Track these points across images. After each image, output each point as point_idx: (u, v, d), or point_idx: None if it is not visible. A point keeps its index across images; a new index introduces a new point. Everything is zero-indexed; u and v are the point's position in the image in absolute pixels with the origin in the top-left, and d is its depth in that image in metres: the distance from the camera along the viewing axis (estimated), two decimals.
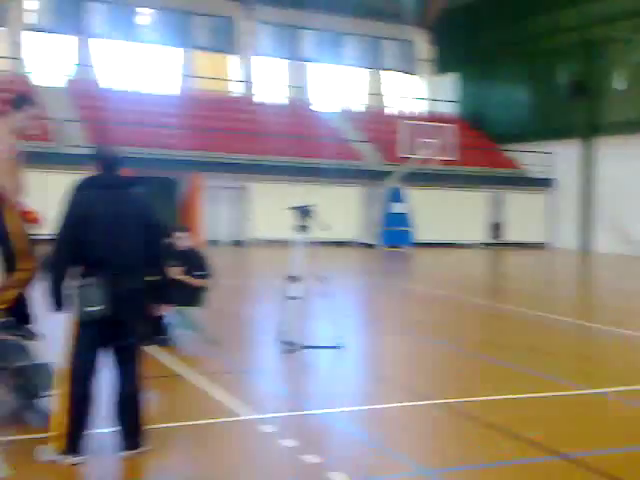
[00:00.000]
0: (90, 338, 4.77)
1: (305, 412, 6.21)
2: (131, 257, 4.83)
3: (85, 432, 4.78)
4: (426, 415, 6.35)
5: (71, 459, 4.70)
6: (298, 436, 5.44)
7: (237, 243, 25.32)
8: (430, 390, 7.00)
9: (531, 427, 5.84)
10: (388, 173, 25.87)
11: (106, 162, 4.89)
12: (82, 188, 4.82)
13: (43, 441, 4.85)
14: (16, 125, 5.87)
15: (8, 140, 5.75)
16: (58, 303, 4.75)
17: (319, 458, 5.00)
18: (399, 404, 6.54)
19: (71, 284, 4.72)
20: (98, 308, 4.64)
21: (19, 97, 6.09)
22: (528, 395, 6.87)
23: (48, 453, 4.73)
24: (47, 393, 5.40)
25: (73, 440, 4.72)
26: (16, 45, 27.30)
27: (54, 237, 4.77)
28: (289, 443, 5.27)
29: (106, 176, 4.88)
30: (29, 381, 5.64)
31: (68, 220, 4.73)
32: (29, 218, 5.89)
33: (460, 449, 5.43)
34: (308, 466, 4.90)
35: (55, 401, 4.85)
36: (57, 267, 4.75)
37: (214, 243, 24.05)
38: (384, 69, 34.35)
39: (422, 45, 34.62)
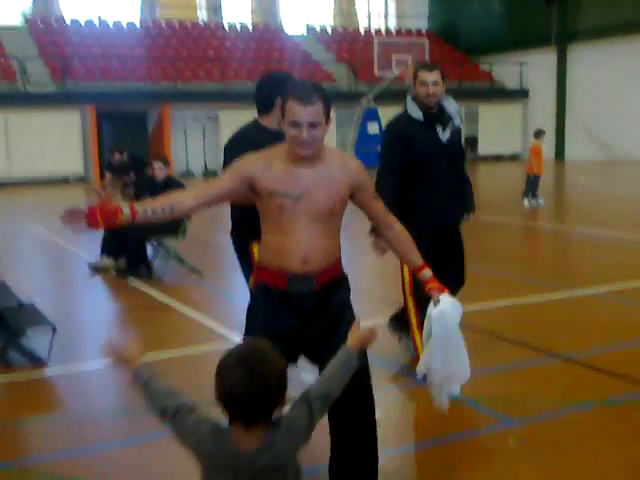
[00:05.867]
0: None
1: None
2: None
3: None
4: None
5: None
6: None
7: (212, 174, 25.03)
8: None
9: (523, 331, 5.84)
10: (361, 94, 25.48)
11: None
12: None
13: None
14: None
15: None
16: None
17: None
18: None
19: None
20: None
21: None
22: (515, 301, 6.86)
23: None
24: (31, 332, 5.33)
25: None
26: None
27: None
28: None
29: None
30: (13, 321, 5.55)
31: None
32: None
33: None
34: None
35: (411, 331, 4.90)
36: None
37: (188, 174, 23.84)
38: None
39: None
